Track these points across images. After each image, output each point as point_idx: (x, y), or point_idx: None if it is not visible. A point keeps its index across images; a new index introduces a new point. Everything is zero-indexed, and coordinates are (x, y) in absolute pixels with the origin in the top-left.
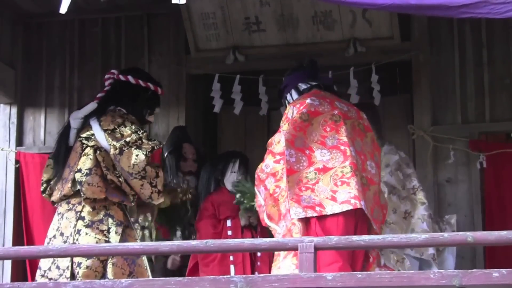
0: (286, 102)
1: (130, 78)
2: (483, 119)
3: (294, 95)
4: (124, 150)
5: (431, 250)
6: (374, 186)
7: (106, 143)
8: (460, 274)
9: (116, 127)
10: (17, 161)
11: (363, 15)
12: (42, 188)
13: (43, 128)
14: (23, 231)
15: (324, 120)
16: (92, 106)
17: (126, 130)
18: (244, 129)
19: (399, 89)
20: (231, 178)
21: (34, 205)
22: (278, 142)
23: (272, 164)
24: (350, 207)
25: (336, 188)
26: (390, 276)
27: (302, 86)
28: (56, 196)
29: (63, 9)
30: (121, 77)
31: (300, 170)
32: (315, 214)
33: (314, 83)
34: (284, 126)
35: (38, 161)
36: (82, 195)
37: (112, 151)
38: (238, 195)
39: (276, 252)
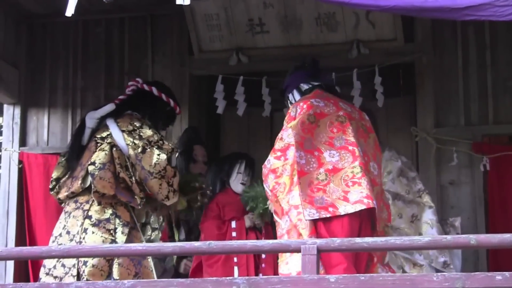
0: (288, 102)
1: (154, 89)
2: (486, 121)
3: (296, 95)
4: (147, 149)
5: (441, 258)
6: (377, 187)
7: (123, 143)
8: (463, 277)
9: (135, 128)
10: (20, 162)
11: (367, 16)
12: (51, 186)
13: (46, 128)
14: (26, 232)
15: (330, 121)
16: (110, 107)
17: (147, 131)
18: (247, 130)
19: (402, 91)
20: (237, 179)
21: (37, 206)
22: (280, 138)
23: (272, 160)
24: (363, 207)
25: (348, 188)
26: (393, 278)
27: (304, 86)
28: (63, 193)
29: (69, 11)
30: (145, 87)
31: (311, 172)
32: (328, 215)
33: (316, 83)
34: (289, 124)
35: (41, 161)
36: (92, 188)
37: (131, 151)
38: (250, 202)
39: None
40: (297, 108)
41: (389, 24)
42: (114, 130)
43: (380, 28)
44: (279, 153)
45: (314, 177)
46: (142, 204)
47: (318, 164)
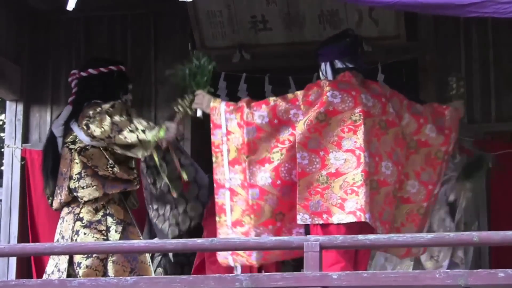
0: (320, 72)
1: (91, 70)
2: (489, 119)
3: (328, 70)
4: (90, 123)
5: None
6: (387, 188)
7: (87, 139)
8: (465, 273)
9: (88, 119)
10: (23, 158)
11: (370, 14)
12: (49, 202)
13: (49, 125)
14: (29, 228)
15: (343, 119)
16: (67, 110)
17: (89, 112)
18: None
19: (405, 89)
20: None
21: (39, 202)
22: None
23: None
24: (354, 220)
25: (346, 196)
26: (395, 275)
27: (338, 64)
28: (56, 204)
29: (70, 6)
30: (83, 74)
31: (313, 173)
32: (321, 222)
33: (350, 66)
34: (302, 106)
35: None
36: (80, 201)
37: (91, 136)
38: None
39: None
40: (317, 93)
41: (392, 21)
42: (77, 131)
43: (383, 25)
44: (276, 121)
45: (315, 178)
46: (139, 182)
47: (321, 165)
